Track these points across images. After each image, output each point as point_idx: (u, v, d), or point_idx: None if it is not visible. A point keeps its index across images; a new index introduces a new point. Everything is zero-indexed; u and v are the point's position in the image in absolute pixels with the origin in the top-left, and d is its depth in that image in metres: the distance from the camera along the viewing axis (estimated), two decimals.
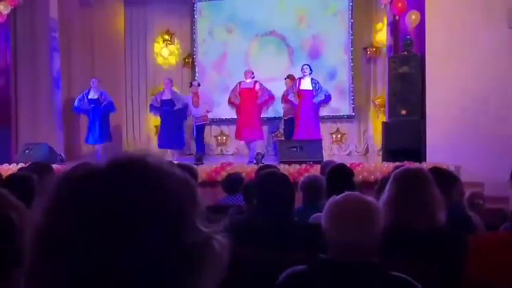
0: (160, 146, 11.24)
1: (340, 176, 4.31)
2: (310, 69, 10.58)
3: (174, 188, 0.75)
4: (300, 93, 10.43)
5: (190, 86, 11.43)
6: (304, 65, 10.71)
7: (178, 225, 0.73)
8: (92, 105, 11.14)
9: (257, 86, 10.60)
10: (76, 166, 0.78)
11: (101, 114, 11.16)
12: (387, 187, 2.74)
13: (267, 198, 3.01)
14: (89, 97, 11.19)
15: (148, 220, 0.71)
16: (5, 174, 4.83)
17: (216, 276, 0.77)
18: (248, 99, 10.57)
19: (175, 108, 11.10)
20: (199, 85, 11.40)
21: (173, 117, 11.13)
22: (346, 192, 1.99)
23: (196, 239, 0.75)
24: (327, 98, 10.65)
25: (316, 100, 10.45)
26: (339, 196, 1.97)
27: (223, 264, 0.78)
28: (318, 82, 10.58)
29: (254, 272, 2.55)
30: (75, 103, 11.28)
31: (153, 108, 11.54)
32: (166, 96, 11.23)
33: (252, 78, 10.69)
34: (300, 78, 10.62)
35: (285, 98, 10.73)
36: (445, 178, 3.48)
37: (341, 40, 12.54)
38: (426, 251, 2.51)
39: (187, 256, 0.73)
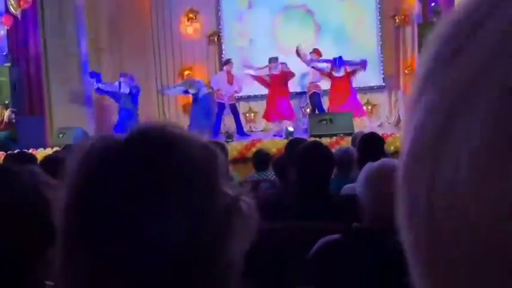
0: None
1: (371, 144, 4.28)
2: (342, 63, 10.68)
3: (195, 153, 0.75)
4: (334, 78, 10.55)
5: (225, 65, 11.47)
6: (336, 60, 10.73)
7: (203, 189, 0.73)
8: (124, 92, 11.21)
9: (284, 68, 10.71)
10: (97, 139, 0.78)
11: (130, 104, 11.22)
12: None
13: (307, 172, 2.98)
14: (121, 91, 11.26)
15: (172, 186, 0.71)
16: (40, 157, 4.94)
17: (246, 238, 0.77)
18: (278, 84, 10.62)
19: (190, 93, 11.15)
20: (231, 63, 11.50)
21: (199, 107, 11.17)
22: (383, 159, 1.96)
23: (223, 201, 0.74)
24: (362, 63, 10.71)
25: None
26: (375, 163, 1.95)
27: (252, 226, 0.77)
28: (345, 62, 10.61)
29: (290, 242, 2.56)
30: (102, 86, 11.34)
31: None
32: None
33: (277, 64, 10.75)
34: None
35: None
36: None
37: (368, 9, 12.35)
38: None
39: (216, 219, 0.73)
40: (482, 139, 0.30)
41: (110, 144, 0.75)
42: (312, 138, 8.32)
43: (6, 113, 10.28)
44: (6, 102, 10.54)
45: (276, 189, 4.39)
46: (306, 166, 3.02)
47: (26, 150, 7.23)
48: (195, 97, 11.20)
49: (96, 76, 11.24)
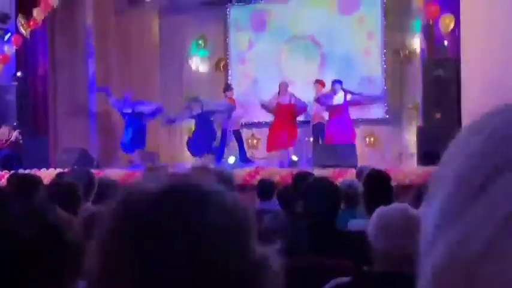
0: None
1: (377, 181, 4.29)
2: (341, 85, 10.71)
3: (230, 210, 0.78)
4: (332, 108, 10.61)
5: (226, 91, 11.50)
6: (336, 82, 10.73)
7: (235, 246, 0.76)
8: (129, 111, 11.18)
9: (293, 100, 10.76)
10: (131, 190, 0.80)
11: (136, 122, 11.20)
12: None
13: (314, 207, 3.01)
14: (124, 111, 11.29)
15: (205, 243, 0.74)
16: (43, 178, 4.93)
17: None
18: (286, 114, 10.67)
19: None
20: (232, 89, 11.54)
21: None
22: (395, 204, 1.98)
23: (254, 258, 0.77)
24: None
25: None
26: (387, 208, 1.97)
27: (280, 284, 0.80)
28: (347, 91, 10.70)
29: (297, 279, 2.56)
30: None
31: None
32: None
33: (287, 90, 10.77)
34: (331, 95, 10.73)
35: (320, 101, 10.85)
36: None
37: (374, 42, 12.46)
38: None
39: (248, 276, 0.76)
40: None
41: (144, 199, 0.77)
42: (317, 170, 8.34)
43: (14, 134, 10.29)
44: (14, 124, 10.55)
45: (279, 222, 4.39)
46: (313, 202, 3.05)
47: (31, 172, 7.23)
48: (198, 117, 11.12)
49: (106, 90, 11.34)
